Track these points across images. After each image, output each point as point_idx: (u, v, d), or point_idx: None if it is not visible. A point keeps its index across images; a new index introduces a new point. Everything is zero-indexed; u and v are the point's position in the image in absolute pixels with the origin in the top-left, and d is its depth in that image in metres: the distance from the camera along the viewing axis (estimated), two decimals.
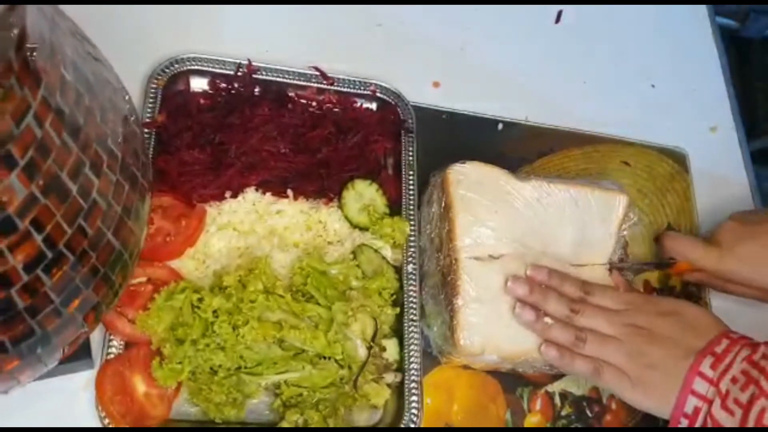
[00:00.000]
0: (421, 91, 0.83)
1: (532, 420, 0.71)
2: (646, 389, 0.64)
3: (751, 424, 0.58)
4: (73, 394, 0.61)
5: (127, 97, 0.55)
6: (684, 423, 0.62)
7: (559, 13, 0.93)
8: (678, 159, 0.89)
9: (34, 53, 0.39)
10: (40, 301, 0.45)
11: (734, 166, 0.91)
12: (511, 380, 0.70)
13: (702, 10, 1.00)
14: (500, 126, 0.84)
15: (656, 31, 0.97)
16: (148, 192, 0.55)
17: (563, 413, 0.71)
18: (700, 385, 0.61)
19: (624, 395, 0.65)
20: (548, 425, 0.71)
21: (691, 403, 0.61)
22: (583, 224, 0.72)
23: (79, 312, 0.48)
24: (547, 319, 0.67)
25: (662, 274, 0.80)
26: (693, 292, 0.81)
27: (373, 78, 0.79)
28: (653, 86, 0.93)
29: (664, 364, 0.64)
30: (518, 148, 0.83)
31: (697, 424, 0.61)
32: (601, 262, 0.72)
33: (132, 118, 0.54)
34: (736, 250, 0.74)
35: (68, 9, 0.51)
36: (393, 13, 0.87)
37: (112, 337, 0.62)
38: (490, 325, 0.66)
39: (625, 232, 0.74)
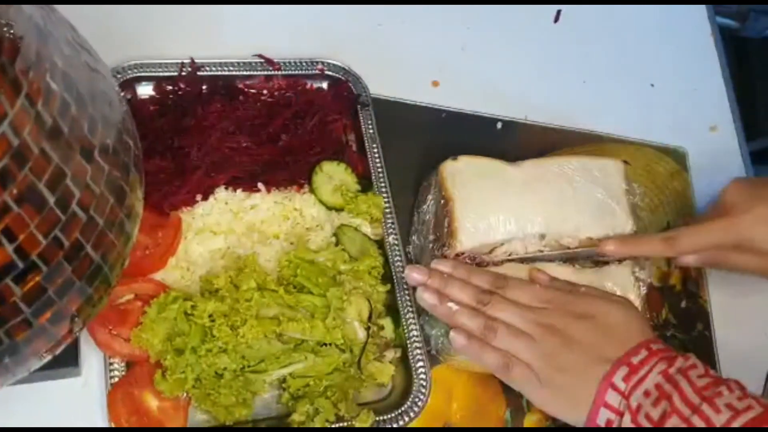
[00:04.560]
0: (421, 90, 0.83)
1: (531, 419, 0.71)
2: (555, 393, 0.62)
3: None
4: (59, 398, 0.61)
5: (123, 110, 0.54)
6: None
7: (558, 13, 0.93)
8: (678, 158, 0.89)
9: (15, 61, 0.38)
10: (8, 311, 0.44)
11: (734, 166, 0.91)
12: None
13: (702, 10, 1.00)
14: (499, 125, 0.84)
15: (656, 31, 0.97)
16: (137, 205, 0.54)
17: None
18: (613, 397, 0.59)
19: (531, 396, 0.63)
20: (548, 425, 0.71)
21: (604, 415, 0.59)
22: (589, 192, 0.71)
23: (51, 324, 0.47)
24: (452, 305, 0.64)
25: (662, 273, 0.80)
26: (692, 291, 0.81)
27: (322, 57, 0.78)
28: (653, 86, 0.93)
29: (575, 369, 0.61)
30: (518, 147, 0.83)
31: None
32: (624, 230, 0.71)
33: (125, 131, 0.52)
34: (754, 211, 0.68)
35: None
36: (393, 13, 0.87)
37: (112, 360, 0.61)
38: None
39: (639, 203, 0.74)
